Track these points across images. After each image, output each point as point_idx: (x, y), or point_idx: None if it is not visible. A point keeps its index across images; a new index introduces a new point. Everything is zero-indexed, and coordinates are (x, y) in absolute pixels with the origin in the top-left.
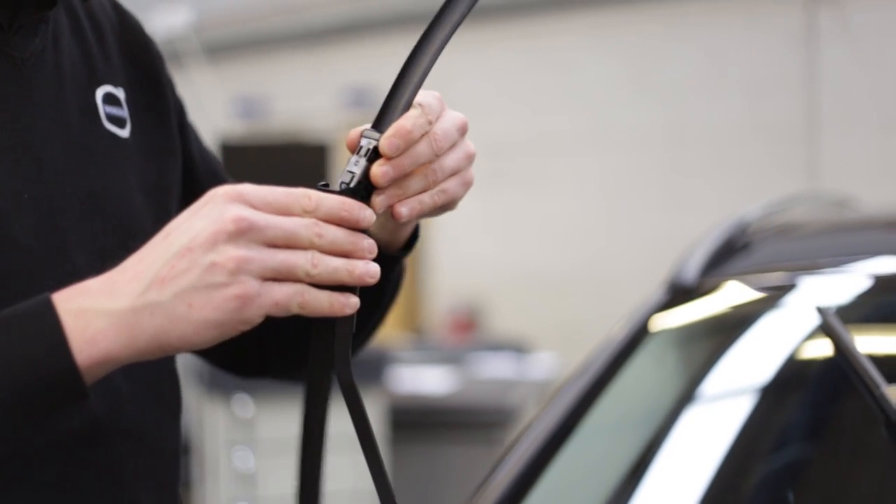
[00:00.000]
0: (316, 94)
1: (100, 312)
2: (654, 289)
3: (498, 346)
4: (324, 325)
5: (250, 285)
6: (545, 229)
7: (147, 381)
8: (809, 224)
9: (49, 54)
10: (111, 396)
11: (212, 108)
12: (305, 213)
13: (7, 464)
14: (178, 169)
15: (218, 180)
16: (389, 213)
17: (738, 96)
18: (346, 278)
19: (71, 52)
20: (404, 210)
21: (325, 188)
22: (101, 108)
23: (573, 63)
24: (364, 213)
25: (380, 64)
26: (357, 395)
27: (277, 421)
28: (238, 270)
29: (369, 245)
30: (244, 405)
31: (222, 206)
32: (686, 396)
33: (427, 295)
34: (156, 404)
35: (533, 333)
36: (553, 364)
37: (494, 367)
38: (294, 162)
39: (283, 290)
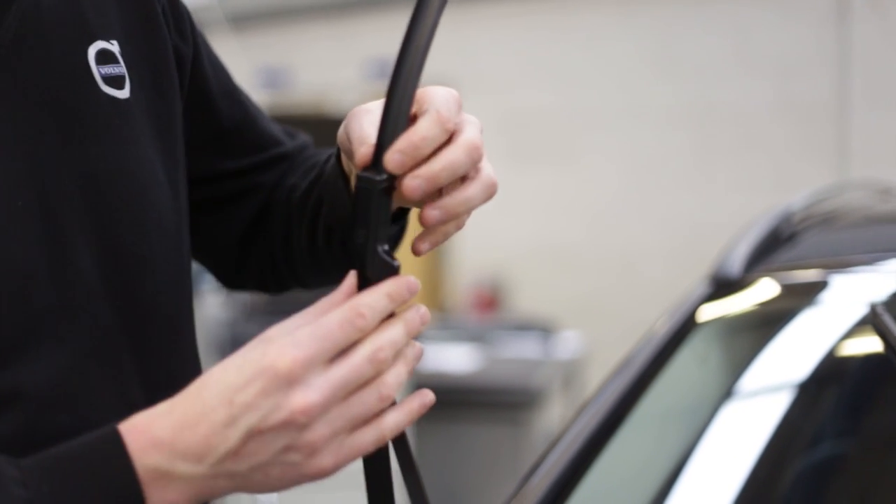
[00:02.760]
0: (340, 66)
1: (178, 476)
2: (674, 276)
3: (523, 326)
4: None
5: (327, 459)
6: (570, 206)
7: (166, 386)
8: (855, 213)
9: (30, 21)
10: (129, 414)
11: (236, 78)
12: (362, 332)
13: None
14: (179, 112)
15: (236, 104)
16: None
17: (768, 75)
18: (406, 378)
19: (55, 8)
20: (425, 246)
21: (368, 177)
22: (96, 71)
23: (601, 39)
24: (411, 288)
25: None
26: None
27: None
28: (314, 452)
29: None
30: None
31: (287, 391)
32: (729, 391)
33: (450, 271)
34: None
35: (557, 310)
36: (578, 344)
37: (519, 347)
38: (318, 135)
39: (362, 444)
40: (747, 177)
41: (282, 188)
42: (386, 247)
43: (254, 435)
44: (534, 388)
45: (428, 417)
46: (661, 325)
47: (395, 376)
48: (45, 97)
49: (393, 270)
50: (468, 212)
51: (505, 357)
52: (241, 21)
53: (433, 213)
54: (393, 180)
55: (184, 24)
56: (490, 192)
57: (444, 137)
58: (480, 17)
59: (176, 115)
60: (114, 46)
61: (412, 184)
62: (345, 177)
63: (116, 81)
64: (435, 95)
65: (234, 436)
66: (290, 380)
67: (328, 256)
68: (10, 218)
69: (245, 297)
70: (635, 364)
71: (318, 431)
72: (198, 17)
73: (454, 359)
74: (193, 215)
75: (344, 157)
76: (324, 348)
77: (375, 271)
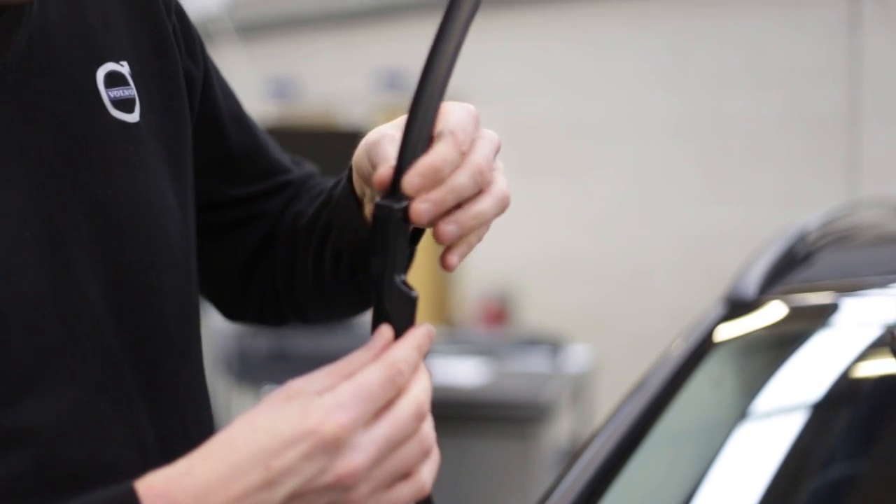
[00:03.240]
0: (349, 76)
1: None
2: (705, 297)
3: (531, 340)
4: None
5: None
6: (579, 217)
7: (174, 417)
8: (871, 232)
9: (37, 44)
10: (139, 449)
11: (244, 88)
12: (400, 389)
13: None
14: (189, 135)
15: (245, 130)
16: None
17: (779, 86)
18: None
19: (63, 28)
20: (455, 259)
21: (387, 205)
22: (105, 94)
23: (611, 49)
24: (431, 336)
25: (413, 46)
26: None
27: None
28: None
29: None
30: None
31: (334, 454)
32: (745, 413)
33: (458, 284)
34: (185, 442)
35: (565, 322)
36: (587, 358)
37: (528, 361)
38: (327, 148)
39: (401, 498)
40: (757, 189)
41: (287, 215)
42: (403, 276)
43: (295, 497)
44: (542, 402)
45: (436, 431)
46: (676, 346)
47: (429, 426)
48: (53, 122)
49: (411, 301)
50: (481, 226)
51: (513, 371)
52: (250, 32)
53: (448, 227)
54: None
55: (195, 48)
56: (503, 206)
57: (460, 160)
58: (492, 27)
59: (186, 138)
60: (124, 68)
61: (420, 207)
62: (357, 199)
63: (126, 104)
64: (451, 115)
65: (273, 498)
66: (337, 444)
67: (334, 284)
68: (18, 250)
69: None
70: (651, 386)
71: (362, 491)
72: (207, 29)
73: (462, 373)
74: (196, 241)
75: (357, 179)
76: (367, 409)
77: (393, 302)
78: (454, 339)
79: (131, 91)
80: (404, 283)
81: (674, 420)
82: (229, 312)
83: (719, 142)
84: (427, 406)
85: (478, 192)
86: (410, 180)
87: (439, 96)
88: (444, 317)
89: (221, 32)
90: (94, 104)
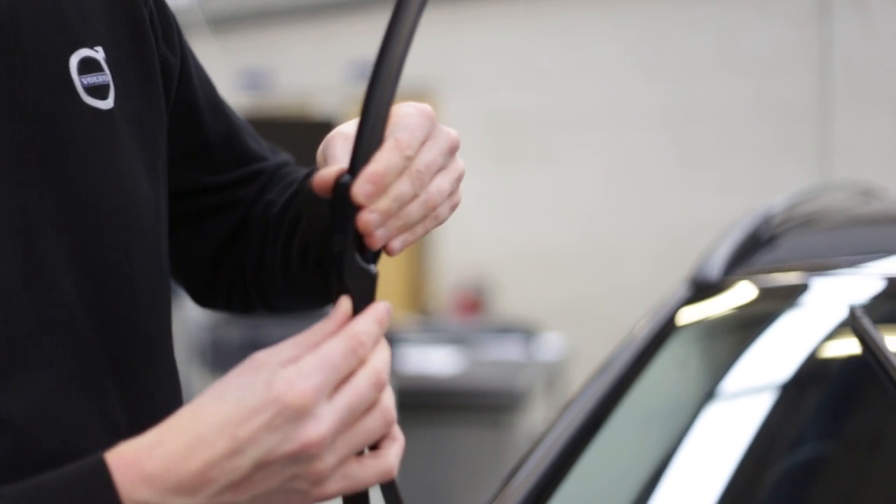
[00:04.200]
0: (322, 68)
1: None
2: (676, 283)
3: (505, 328)
4: None
5: (333, 486)
6: (553, 207)
7: (146, 404)
8: (836, 215)
9: (6, 30)
10: (111, 436)
11: (217, 81)
12: (362, 360)
13: None
14: (164, 122)
15: (221, 117)
16: None
17: (749, 75)
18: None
19: (34, 15)
20: (397, 244)
21: (348, 184)
22: (78, 81)
23: (582, 40)
24: (389, 312)
25: None
26: None
27: None
28: (321, 479)
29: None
30: None
31: (297, 423)
32: (709, 394)
33: (432, 273)
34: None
35: (540, 312)
36: (561, 345)
37: (502, 349)
38: (301, 138)
39: (368, 476)
40: (730, 177)
41: (259, 204)
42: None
43: (261, 466)
44: (516, 390)
45: (410, 420)
46: (640, 328)
47: (390, 398)
48: (24, 110)
49: (370, 278)
50: (407, 228)
51: (487, 359)
52: (222, 23)
53: (379, 232)
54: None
55: (172, 34)
56: (429, 209)
57: (405, 163)
58: (463, 18)
59: (161, 125)
60: (98, 53)
61: (370, 217)
62: None
63: (100, 91)
64: (402, 117)
65: (240, 467)
66: (299, 412)
67: (301, 275)
68: None
69: None
70: (615, 367)
71: (327, 461)
72: (179, 20)
73: (436, 361)
74: (169, 228)
75: None
76: (330, 379)
77: (353, 278)
78: (428, 327)
79: (106, 77)
80: (365, 260)
81: (637, 401)
82: (199, 299)
83: (692, 130)
84: (386, 376)
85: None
86: (361, 188)
87: (392, 88)
88: (420, 306)
89: (193, 24)
90: (67, 91)
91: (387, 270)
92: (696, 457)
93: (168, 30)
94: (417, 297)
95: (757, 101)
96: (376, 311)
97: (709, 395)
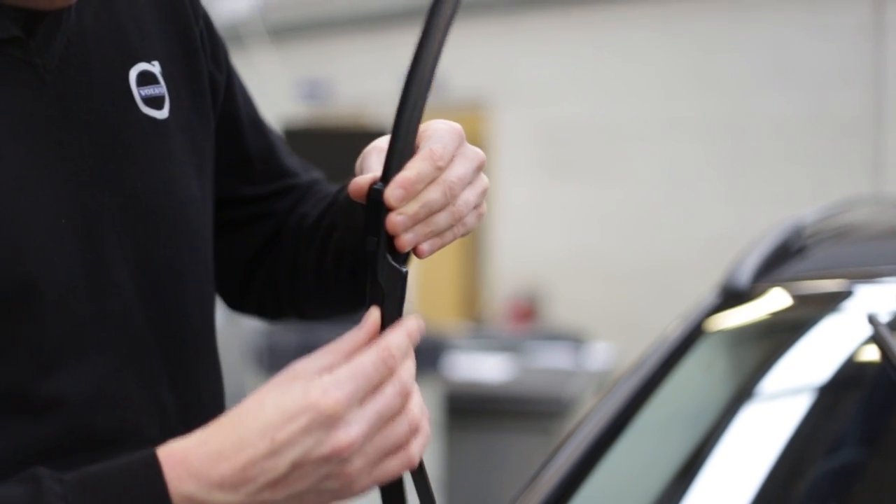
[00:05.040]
0: (380, 77)
1: None
2: (708, 290)
3: (556, 336)
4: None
5: (360, 484)
6: (606, 218)
7: (191, 388)
8: (868, 228)
9: (75, 46)
10: (160, 416)
11: (276, 91)
12: (392, 371)
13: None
14: (212, 132)
15: (261, 133)
16: None
17: (804, 89)
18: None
19: (98, 32)
20: (426, 248)
21: (380, 189)
22: (136, 92)
23: (638, 52)
24: (421, 327)
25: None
26: None
27: None
28: (352, 479)
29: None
30: None
31: (331, 428)
32: (735, 400)
33: (486, 282)
34: (201, 412)
35: (591, 323)
36: (611, 355)
37: (552, 357)
38: (357, 148)
39: (393, 469)
40: (784, 190)
41: (293, 216)
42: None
43: (296, 467)
44: (565, 397)
45: (460, 426)
46: (669, 332)
47: (418, 406)
48: (88, 119)
49: (401, 277)
50: (434, 235)
51: (537, 367)
52: (282, 34)
53: (406, 237)
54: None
55: (219, 53)
56: (457, 219)
57: (436, 174)
58: (518, 30)
59: (210, 134)
60: (155, 67)
61: (397, 219)
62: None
63: (156, 102)
64: (435, 131)
65: (277, 467)
66: (333, 418)
67: (334, 283)
68: (55, 235)
69: None
70: (642, 370)
71: (356, 464)
72: (238, 31)
73: (487, 368)
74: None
75: None
76: (361, 388)
77: (385, 277)
78: (479, 334)
79: (161, 89)
80: (397, 260)
81: (663, 404)
82: (232, 303)
83: (746, 143)
84: (412, 386)
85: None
86: (393, 193)
87: (421, 105)
88: (473, 314)
89: (253, 35)
90: (127, 102)
91: (441, 278)
92: (719, 461)
93: (216, 49)
94: (471, 306)
95: (811, 114)
96: (408, 327)
97: (733, 400)
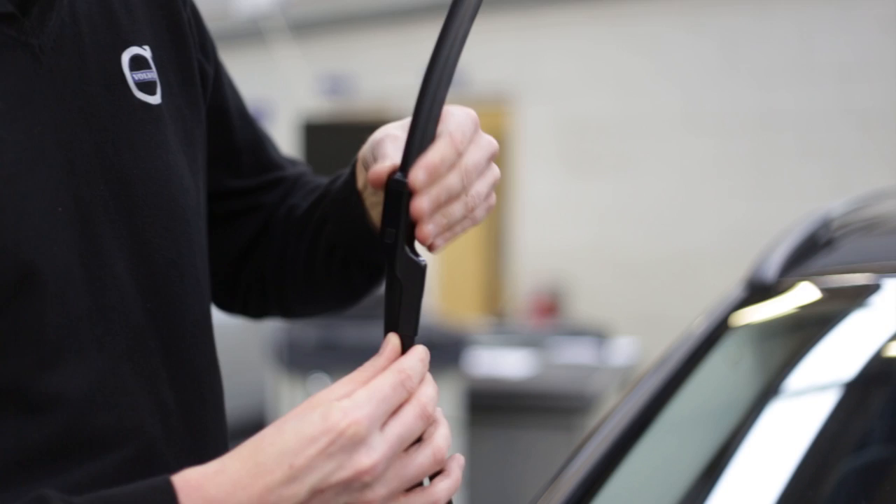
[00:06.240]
0: (402, 72)
1: None
2: (731, 284)
3: (578, 332)
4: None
5: None
6: (629, 213)
7: (192, 385)
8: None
9: (68, 27)
10: (161, 414)
11: (298, 85)
12: (410, 393)
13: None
14: (203, 122)
15: (248, 125)
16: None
17: (829, 82)
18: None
19: (90, 14)
20: (440, 241)
21: (401, 180)
22: (130, 77)
23: (662, 45)
24: (427, 353)
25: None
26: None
27: None
28: None
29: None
30: (321, 385)
31: (352, 451)
32: (762, 395)
33: (508, 277)
34: (202, 407)
35: (615, 318)
36: (634, 350)
37: (575, 352)
38: None
39: None
40: (805, 184)
41: (281, 209)
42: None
43: (316, 493)
44: (588, 393)
45: (482, 421)
46: (696, 327)
47: (444, 438)
48: (83, 103)
49: (419, 268)
50: (451, 227)
51: (560, 363)
52: (304, 29)
53: (426, 228)
54: None
55: (206, 43)
56: (470, 208)
57: (457, 158)
58: (542, 24)
59: (200, 122)
60: (146, 52)
61: (422, 202)
62: (358, 192)
63: (149, 87)
64: (452, 117)
65: (296, 494)
66: (354, 440)
67: (324, 277)
68: (52, 224)
69: None
70: (668, 365)
71: (377, 491)
72: (259, 26)
73: (509, 364)
74: None
75: (361, 173)
76: (381, 409)
77: (403, 269)
78: (501, 329)
79: (153, 74)
80: (414, 252)
81: (688, 399)
82: (219, 301)
83: (771, 137)
84: (433, 410)
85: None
86: (416, 174)
87: (446, 85)
88: (496, 309)
89: (274, 30)
90: (120, 86)
91: (464, 273)
92: (745, 458)
93: (204, 40)
94: (493, 301)
95: (837, 107)
96: (419, 351)
97: (761, 396)
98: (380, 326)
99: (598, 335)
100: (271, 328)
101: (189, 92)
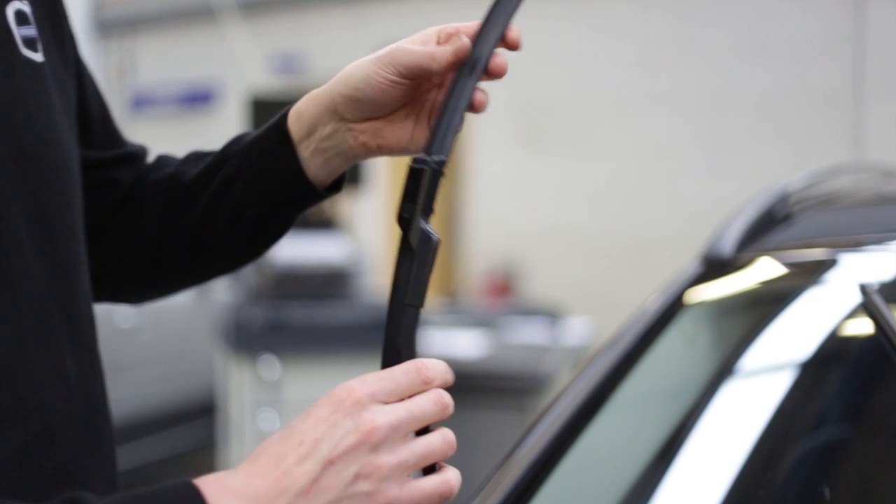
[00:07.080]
0: (353, 50)
1: None
2: (690, 260)
3: (532, 312)
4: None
5: (394, 490)
6: (582, 192)
7: (87, 356)
8: (853, 195)
9: None
10: (64, 388)
11: (248, 64)
12: (426, 384)
13: None
14: (74, 82)
15: (98, 96)
16: (337, 152)
17: (784, 61)
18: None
19: None
20: None
21: (423, 159)
22: (16, 32)
23: (616, 24)
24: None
25: (418, 20)
26: None
27: (304, 383)
28: (383, 479)
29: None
30: (270, 366)
31: (356, 414)
32: (719, 372)
33: (461, 257)
34: (95, 382)
35: (568, 298)
36: (587, 330)
37: (528, 333)
38: None
39: (427, 487)
40: (760, 163)
41: (147, 183)
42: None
43: (327, 466)
44: (541, 373)
45: None
46: (650, 303)
47: (452, 436)
48: None
49: (434, 242)
50: None
51: (513, 343)
52: (254, 7)
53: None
54: (444, 165)
55: (65, 12)
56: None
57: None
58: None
59: (72, 84)
60: (26, 6)
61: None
62: (291, 145)
63: (32, 44)
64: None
65: (309, 471)
66: (357, 404)
67: (223, 240)
68: None
69: (251, 282)
70: (622, 343)
71: (386, 458)
72: (211, 5)
73: (462, 344)
74: None
75: (303, 121)
76: (385, 387)
77: (418, 241)
78: (454, 310)
79: (34, 31)
80: (429, 226)
81: (642, 379)
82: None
83: (724, 117)
84: (450, 403)
85: None
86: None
87: (474, 81)
88: (449, 290)
89: (225, 8)
90: (8, 42)
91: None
92: (701, 437)
93: (62, 7)
94: (446, 281)
95: (790, 87)
96: (442, 363)
97: (717, 374)
98: (329, 307)
99: (552, 315)
100: (219, 309)
101: (62, 49)
